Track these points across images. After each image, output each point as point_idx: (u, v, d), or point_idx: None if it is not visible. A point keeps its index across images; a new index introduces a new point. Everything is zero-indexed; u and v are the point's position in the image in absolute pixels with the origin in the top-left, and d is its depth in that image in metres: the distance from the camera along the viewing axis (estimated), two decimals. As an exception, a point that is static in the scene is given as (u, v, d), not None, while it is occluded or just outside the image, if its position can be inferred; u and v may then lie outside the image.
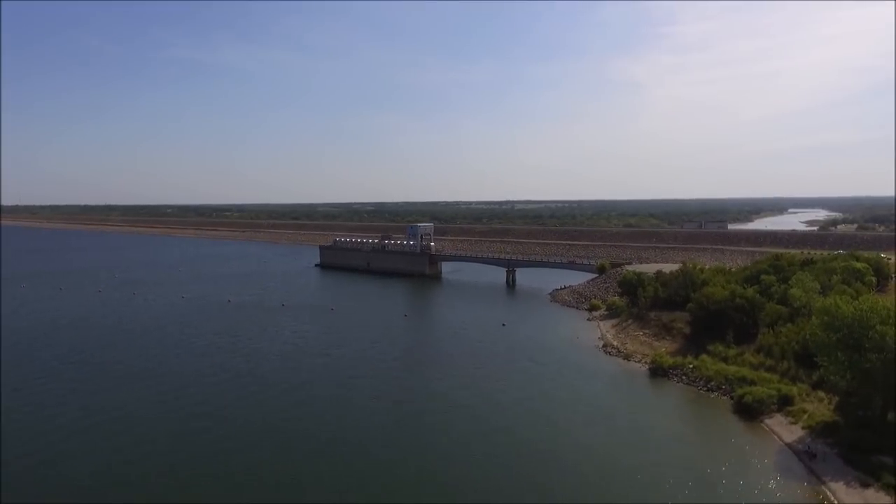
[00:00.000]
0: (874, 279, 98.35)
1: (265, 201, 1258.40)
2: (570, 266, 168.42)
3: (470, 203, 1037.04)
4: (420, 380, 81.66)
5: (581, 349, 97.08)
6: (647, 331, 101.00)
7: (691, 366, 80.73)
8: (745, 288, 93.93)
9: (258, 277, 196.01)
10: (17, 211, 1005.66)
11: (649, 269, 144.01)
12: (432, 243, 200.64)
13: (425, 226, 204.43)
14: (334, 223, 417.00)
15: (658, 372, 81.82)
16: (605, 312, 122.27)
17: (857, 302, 60.58)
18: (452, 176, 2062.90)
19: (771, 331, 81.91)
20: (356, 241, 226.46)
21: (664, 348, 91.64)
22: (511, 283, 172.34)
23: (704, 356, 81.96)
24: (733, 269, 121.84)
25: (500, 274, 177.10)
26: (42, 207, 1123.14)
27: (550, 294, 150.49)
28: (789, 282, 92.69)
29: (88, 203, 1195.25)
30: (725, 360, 79.99)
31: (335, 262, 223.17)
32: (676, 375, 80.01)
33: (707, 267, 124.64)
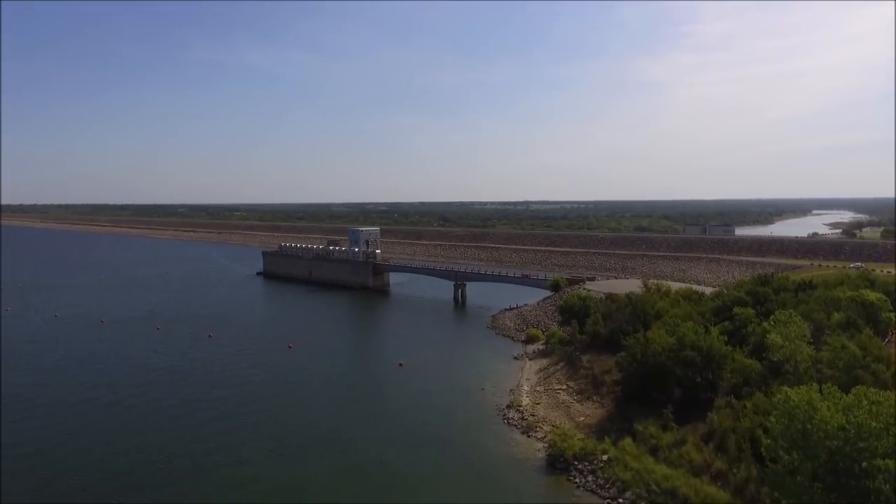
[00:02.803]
0: (893, 316, 68.12)
1: (283, 201, 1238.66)
2: (523, 281, 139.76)
3: (485, 203, 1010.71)
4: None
5: (477, 410, 69.16)
6: (572, 384, 72.53)
7: (605, 457, 52.32)
8: (709, 327, 65.05)
9: (177, 287, 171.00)
10: (23, 210, 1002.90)
11: (614, 287, 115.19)
12: (378, 251, 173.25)
13: (369, 230, 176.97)
14: (311, 225, 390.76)
15: (558, 462, 53.55)
16: (542, 347, 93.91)
17: (850, 399, 32.01)
18: (470, 177, 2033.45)
19: (731, 403, 53.17)
20: (300, 248, 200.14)
21: (583, 417, 63.20)
22: (460, 300, 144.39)
23: (628, 440, 53.45)
24: (708, 293, 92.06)
25: (451, 288, 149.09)
26: (57, 207, 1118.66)
27: (492, 317, 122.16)
28: (770, 319, 63.23)
29: (106, 202, 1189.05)
30: (656, 450, 51.37)
31: (278, 271, 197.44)
32: (582, 473, 51.64)
33: (675, 290, 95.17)
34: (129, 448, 59.41)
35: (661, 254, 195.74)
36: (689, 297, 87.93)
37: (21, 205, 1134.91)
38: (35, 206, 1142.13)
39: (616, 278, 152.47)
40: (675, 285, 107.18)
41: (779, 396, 36.28)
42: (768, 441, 35.23)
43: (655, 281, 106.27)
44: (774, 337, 57.95)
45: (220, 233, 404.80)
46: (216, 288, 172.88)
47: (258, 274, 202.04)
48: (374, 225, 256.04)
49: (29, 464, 55.50)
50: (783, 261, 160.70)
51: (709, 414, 52.78)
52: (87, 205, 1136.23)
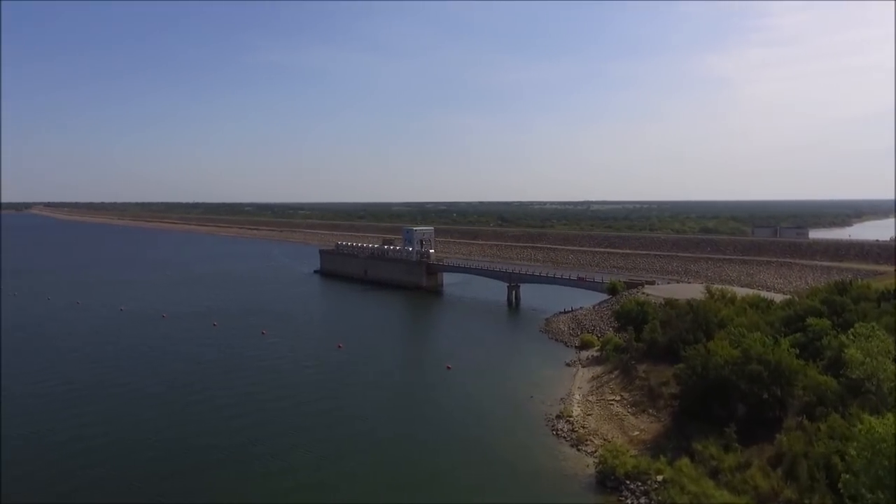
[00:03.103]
0: None
1: (345, 200, 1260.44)
2: (578, 284, 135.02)
3: (544, 203, 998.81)
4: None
5: (525, 418, 66.38)
6: (627, 395, 68.58)
7: (660, 477, 48.64)
8: (778, 338, 59.91)
9: (236, 284, 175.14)
10: (104, 208, 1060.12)
11: (675, 292, 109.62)
12: (432, 250, 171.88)
13: (423, 230, 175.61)
14: (369, 224, 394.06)
15: (608, 481, 50.25)
16: (596, 353, 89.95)
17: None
18: (529, 176, 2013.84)
19: (803, 425, 48.40)
20: (355, 246, 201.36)
21: (637, 431, 59.35)
22: (513, 302, 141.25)
23: (685, 460, 49.52)
24: (778, 301, 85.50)
25: (504, 289, 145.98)
26: (134, 205, 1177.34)
27: (546, 320, 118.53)
28: (849, 332, 57.55)
29: (178, 201, 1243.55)
30: (716, 473, 47.29)
31: (334, 269, 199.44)
32: (634, 493, 48.19)
33: (741, 296, 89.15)
34: (170, 438, 60.13)
35: (726, 257, 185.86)
36: (757, 304, 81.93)
37: (102, 202, 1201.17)
38: (115, 203, 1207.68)
39: (677, 282, 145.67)
40: (741, 291, 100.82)
41: (861, 427, 31.96)
42: (848, 477, 31.09)
43: (720, 286, 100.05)
44: (853, 352, 52.34)
45: (281, 231, 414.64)
46: (273, 285, 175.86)
47: (315, 272, 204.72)
48: (431, 224, 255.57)
49: (82, 448, 56.68)
50: (864, 266, 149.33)
51: (777, 435, 48.10)
52: (161, 203, 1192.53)
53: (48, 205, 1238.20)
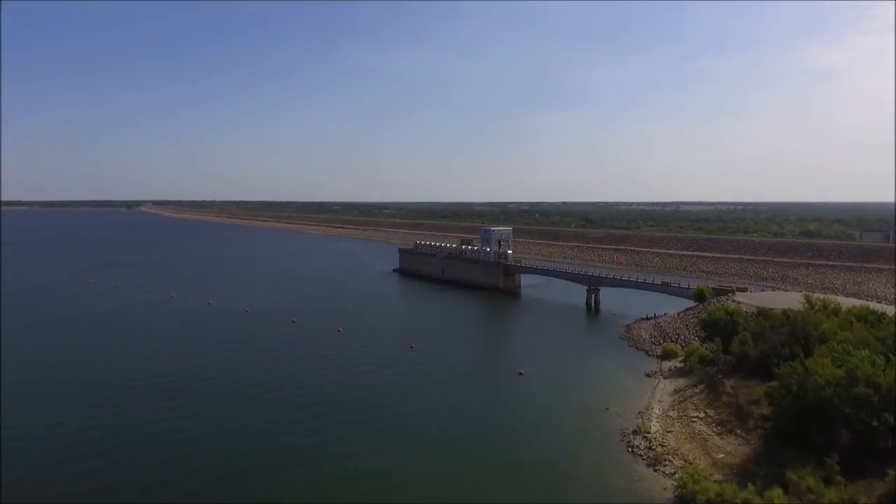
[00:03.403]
0: None
1: (431, 200, 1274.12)
2: (662, 289, 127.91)
3: (630, 204, 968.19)
4: None
5: (599, 433, 62.84)
6: (712, 412, 63.48)
7: (747, 508, 44.14)
8: (891, 357, 53.39)
9: (317, 281, 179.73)
10: (205, 206, 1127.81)
11: (769, 300, 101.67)
12: (509, 251, 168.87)
13: (501, 230, 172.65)
14: (450, 224, 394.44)
15: (688, 507, 46.28)
16: (679, 364, 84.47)
17: None
18: (614, 176, 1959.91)
19: (920, 459, 42.49)
20: (433, 246, 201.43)
21: (722, 454, 54.53)
22: (592, 306, 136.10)
23: (778, 491, 44.67)
24: (891, 314, 76.53)
25: (584, 292, 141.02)
26: (231, 203, 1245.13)
27: (626, 326, 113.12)
28: (979, 355, 50.30)
29: (273, 199, 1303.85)
30: (814, 508, 42.28)
31: (412, 268, 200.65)
32: (716, 523, 43.98)
33: (846, 307, 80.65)
34: (248, 435, 61.58)
35: (830, 263, 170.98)
36: (866, 317, 73.75)
37: (203, 200, 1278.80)
38: (214, 202, 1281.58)
39: (773, 289, 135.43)
40: (846, 301, 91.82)
41: None
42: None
43: (821, 295, 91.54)
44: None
45: (364, 230, 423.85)
46: (352, 283, 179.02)
47: (394, 271, 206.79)
48: (513, 224, 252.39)
49: (168, 441, 58.89)
50: None
51: (890, 471, 42.52)
52: (256, 202, 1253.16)
53: (156, 203, 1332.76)
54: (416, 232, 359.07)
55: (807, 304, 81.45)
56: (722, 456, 54.12)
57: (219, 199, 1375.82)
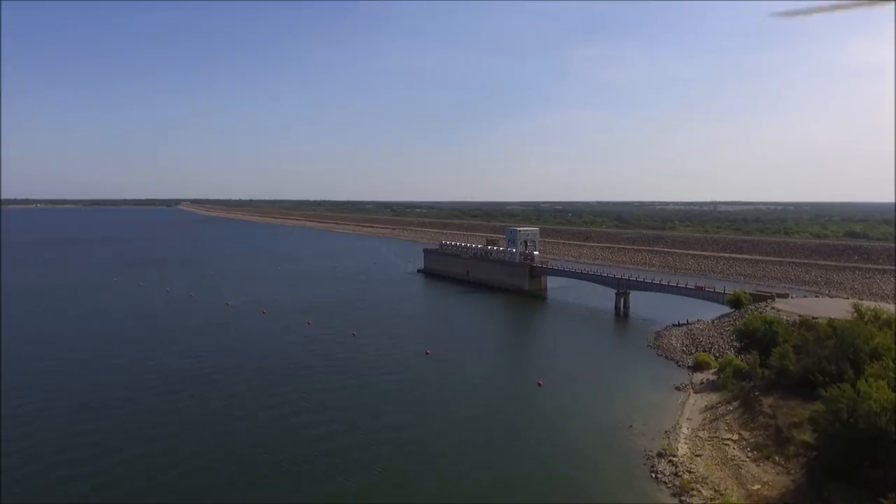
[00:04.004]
0: None
1: (463, 199, 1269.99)
2: (696, 294, 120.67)
3: (666, 203, 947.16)
4: None
5: (620, 454, 57.33)
6: (747, 434, 57.38)
7: (786, 553, 38.41)
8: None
9: (339, 281, 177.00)
10: (241, 205, 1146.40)
11: (812, 308, 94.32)
12: (536, 252, 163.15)
13: (528, 230, 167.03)
14: (479, 223, 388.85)
15: (716, 548, 40.71)
16: (712, 377, 78.25)
17: None
18: (650, 175, 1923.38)
19: None
20: (459, 246, 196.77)
21: (758, 484, 48.60)
22: (622, 311, 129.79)
23: (821, 534, 38.86)
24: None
25: (613, 296, 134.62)
26: (265, 202, 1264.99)
27: (656, 333, 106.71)
28: None
29: (306, 198, 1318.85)
30: (865, 558, 36.39)
31: (437, 269, 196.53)
32: (748, 568, 38.40)
33: (900, 318, 73.11)
34: (251, 444, 58.02)
35: (878, 267, 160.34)
36: (924, 330, 66.45)
37: (239, 199, 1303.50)
38: (250, 200, 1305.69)
39: (816, 295, 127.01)
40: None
41: None
42: None
43: (872, 304, 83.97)
44: None
45: (393, 228, 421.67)
46: (374, 284, 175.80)
47: (418, 271, 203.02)
48: (545, 224, 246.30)
49: (173, 446, 55.80)
50: None
51: (956, 516, 36.38)
52: (289, 200, 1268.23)
53: (193, 201, 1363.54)
54: (445, 231, 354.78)
55: (855, 314, 74.08)
56: (758, 487, 48.24)
57: (256, 197, 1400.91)
